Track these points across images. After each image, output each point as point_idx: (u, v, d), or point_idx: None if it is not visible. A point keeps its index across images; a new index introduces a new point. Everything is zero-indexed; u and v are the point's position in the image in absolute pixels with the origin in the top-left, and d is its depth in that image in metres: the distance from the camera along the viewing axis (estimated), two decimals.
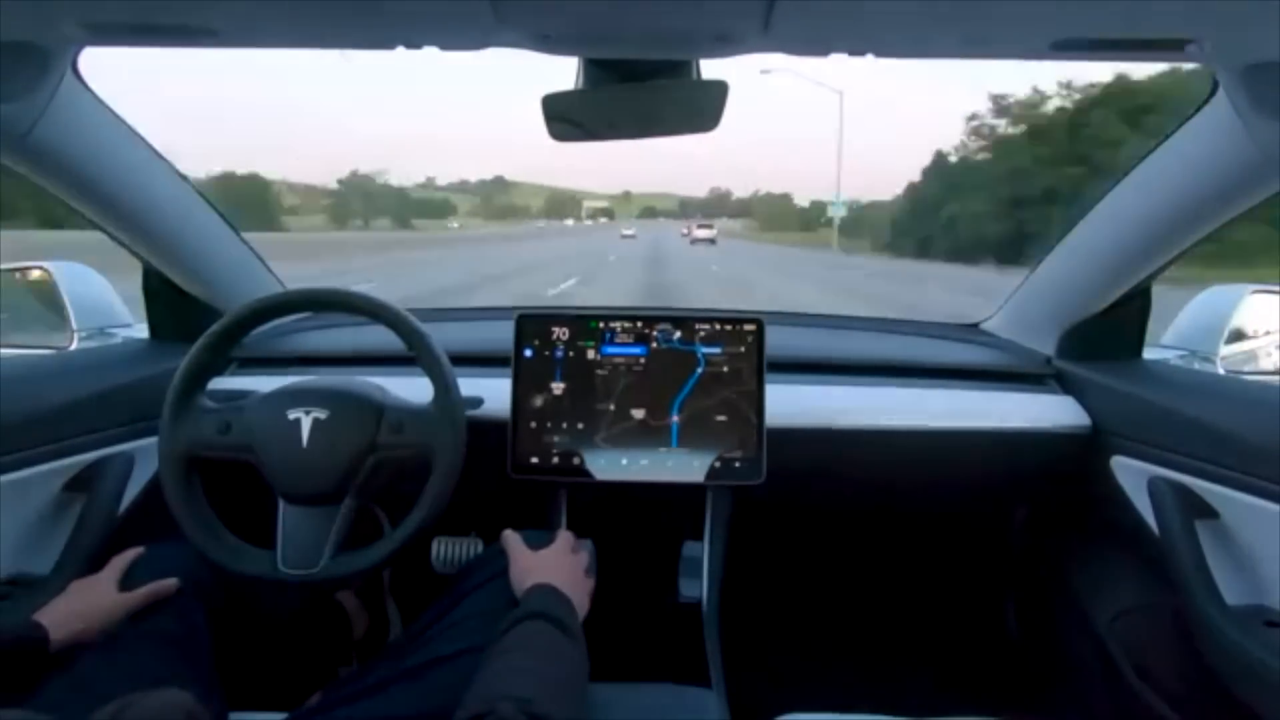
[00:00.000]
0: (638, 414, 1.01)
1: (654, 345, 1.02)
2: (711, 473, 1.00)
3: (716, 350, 1.02)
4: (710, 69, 0.74)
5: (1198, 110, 0.80)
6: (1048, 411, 1.08)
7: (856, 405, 1.08)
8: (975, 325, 1.36)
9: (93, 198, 0.92)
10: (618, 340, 1.02)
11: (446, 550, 1.03)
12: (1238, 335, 1.18)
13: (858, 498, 1.27)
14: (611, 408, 1.01)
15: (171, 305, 1.13)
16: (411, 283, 11.96)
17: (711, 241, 33.27)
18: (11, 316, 1.29)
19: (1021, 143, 23.11)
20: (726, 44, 0.65)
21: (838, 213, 31.67)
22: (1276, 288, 1.18)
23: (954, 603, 1.40)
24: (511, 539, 0.84)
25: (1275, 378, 1.17)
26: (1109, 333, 1.09)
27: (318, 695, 0.82)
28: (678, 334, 1.02)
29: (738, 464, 1.00)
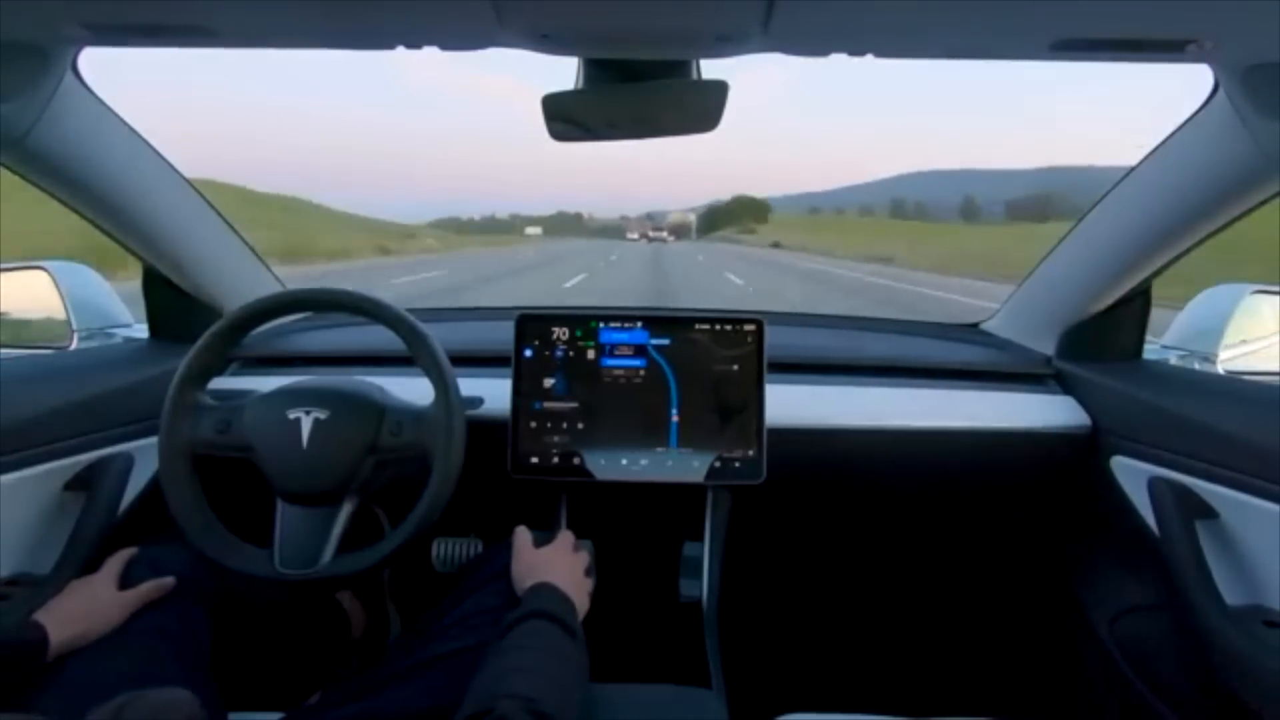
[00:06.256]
0: (637, 414, 1.01)
1: (653, 345, 1.02)
2: (711, 473, 1.00)
3: (716, 350, 1.02)
4: (710, 69, 0.74)
5: (1198, 110, 0.80)
6: (1048, 411, 1.08)
7: (856, 405, 1.08)
8: (975, 325, 1.36)
9: (93, 198, 0.92)
10: (618, 340, 1.02)
11: (446, 550, 1.03)
12: (1238, 335, 1.17)
13: (857, 498, 1.27)
14: (611, 408, 1.01)
15: (171, 305, 1.13)
16: None
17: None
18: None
19: None
20: (727, 44, 0.65)
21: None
22: (1276, 288, 1.17)
23: (954, 603, 1.40)
24: (521, 535, 0.84)
25: (1275, 378, 1.17)
26: (1109, 333, 1.09)
27: (317, 695, 0.82)
28: (677, 334, 1.02)
29: (738, 464, 1.00)
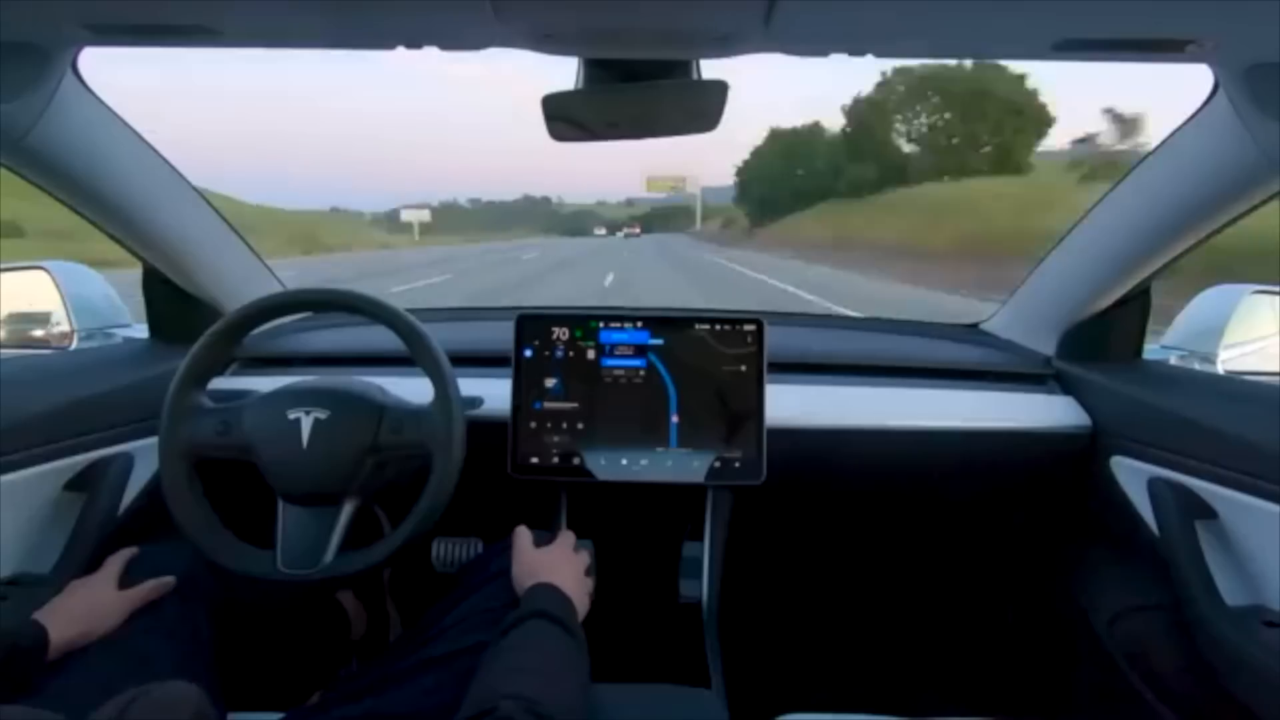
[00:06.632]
0: (637, 414, 1.01)
1: (653, 345, 1.02)
2: (711, 473, 1.00)
3: (716, 350, 1.02)
4: (710, 69, 0.74)
5: (1198, 111, 0.80)
6: (1048, 411, 1.08)
7: (856, 405, 1.08)
8: (975, 325, 1.36)
9: (93, 198, 0.92)
10: (617, 340, 1.02)
11: (446, 550, 1.03)
12: (1238, 335, 1.18)
13: (857, 498, 1.27)
14: (611, 408, 1.01)
15: (171, 305, 1.13)
16: None
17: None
18: None
19: None
20: (727, 44, 0.65)
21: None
22: (1276, 288, 1.18)
23: (954, 603, 1.40)
24: (521, 535, 0.84)
25: (1275, 378, 1.17)
26: (1109, 333, 1.09)
27: (317, 695, 0.82)
28: (677, 334, 1.02)
29: (737, 464, 1.00)
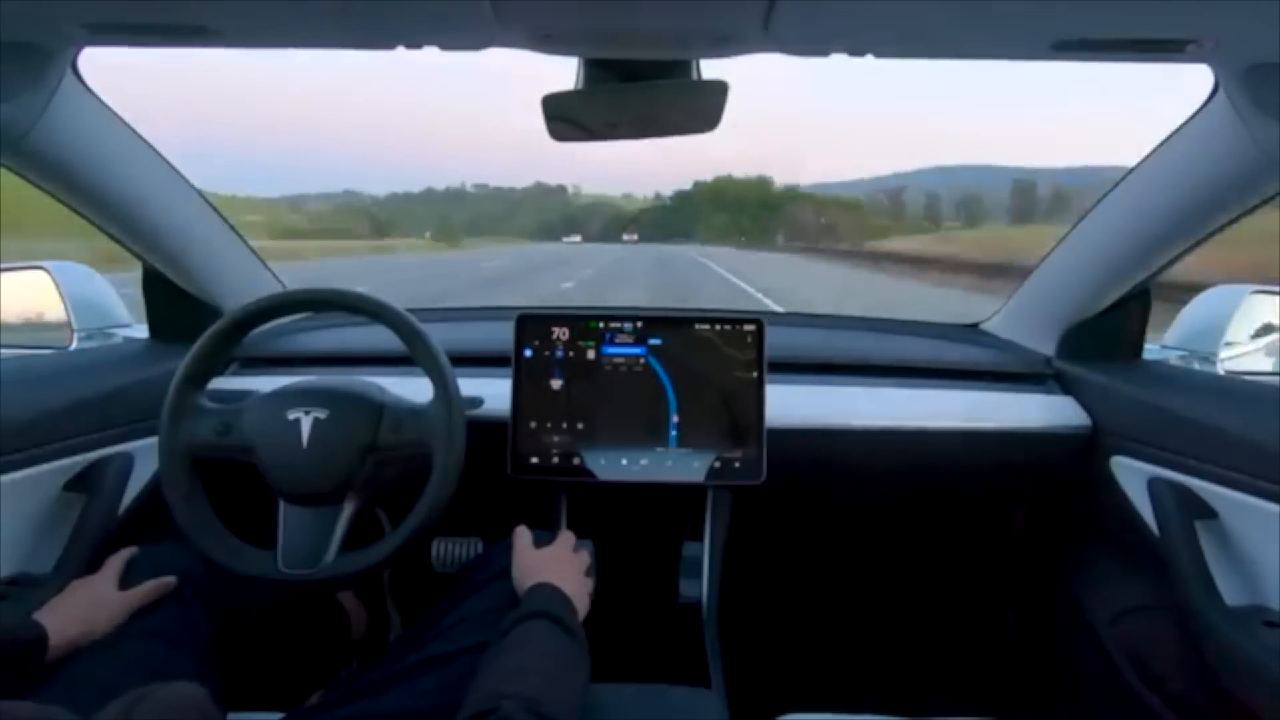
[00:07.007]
0: (637, 414, 1.01)
1: (653, 345, 1.02)
2: (711, 473, 1.00)
3: (716, 350, 1.02)
4: (710, 69, 0.74)
5: (1198, 111, 0.80)
6: (1048, 411, 1.08)
7: (856, 405, 1.08)
8: (975, 325, 1.36)
9: (93, 198, 0.92)
10: (617, 340, 1.02)
11: (446, 550, 1.03)
12: (1238, 335, 1.18)
13: (858, 498, 1.27)
14: (611, 408, 1.01)
15: (171, 305, 1.13)
16: None
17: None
18: None
19: None
20: (726, 44, 0.65)
21: None
22: (1276, 288, 1.18)
23: (954, 603, 1.40)
24: (521, 535, 0.84)
25: (1275, 378, 1.17)
26: (1109, 333, 1.09)
27: (317, 695, 0.82)
28: (677, 334, 1.02)
29: (737, 464, 1.00)
